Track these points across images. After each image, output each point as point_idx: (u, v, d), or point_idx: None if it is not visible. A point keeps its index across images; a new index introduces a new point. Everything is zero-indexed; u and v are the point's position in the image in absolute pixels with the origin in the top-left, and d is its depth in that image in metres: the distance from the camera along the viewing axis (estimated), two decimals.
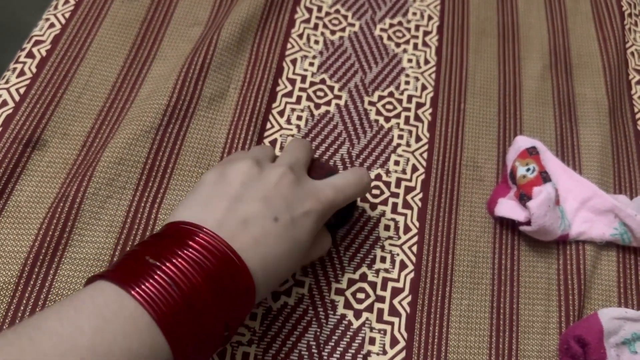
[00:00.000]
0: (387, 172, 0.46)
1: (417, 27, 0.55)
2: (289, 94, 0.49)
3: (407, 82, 0.52)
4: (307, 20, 0.54)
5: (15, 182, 0.41)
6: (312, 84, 0.50)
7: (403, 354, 0.39)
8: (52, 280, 0.38)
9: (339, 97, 0.50)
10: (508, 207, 0.44)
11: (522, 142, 0.46)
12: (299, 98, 0.49)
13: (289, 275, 0.38)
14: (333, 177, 0.37)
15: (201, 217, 0.31)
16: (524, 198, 0.42)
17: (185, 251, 0.28)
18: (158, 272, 0.27)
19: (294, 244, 0.33)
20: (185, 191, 0.43)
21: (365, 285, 0.41)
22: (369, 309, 0.41)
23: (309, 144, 0.40)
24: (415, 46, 0.54)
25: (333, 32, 0.54)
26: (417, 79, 0.52)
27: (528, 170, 0.44)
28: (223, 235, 0.30)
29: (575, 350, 0.39)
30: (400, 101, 0.50)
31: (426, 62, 0.53)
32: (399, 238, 0.44)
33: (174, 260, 0.28)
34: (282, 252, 0.32)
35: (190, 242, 0.29)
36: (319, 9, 0.55)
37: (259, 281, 0.31)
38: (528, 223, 0.42)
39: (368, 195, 0.45)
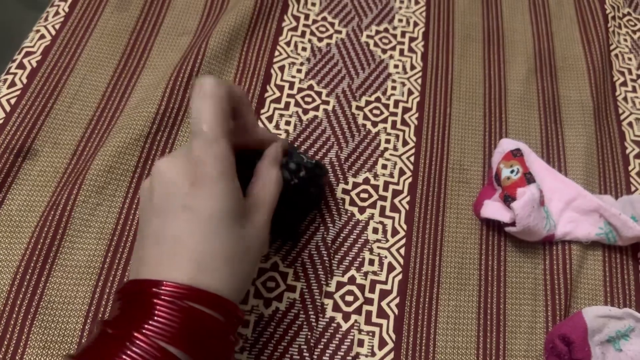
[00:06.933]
0: (375, 175, 0.47)
1: (403, 34, 0.56)
2: (277, 100, 0.50)
3: (393, 88, 0.52)
4: (295, 28, 0.55)
5: (6, 192, 0.42)
6: (300, 90, 0.51)
7: (391, 356, 0.40)
8: (43, 288, 0.39)
9: (327, 103, 0.50)
10: (493, 209, 0.44)
11: (506, 145, 0.47)
12: (287, 104, 0.50)
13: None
14: None
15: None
16: (508, 199, 0.43)
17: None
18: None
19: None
20: None
21: (354, 288, 0.42)
22: (358, 311, 0.41)
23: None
24: (402, 52, 0.55)
25: (320, 39, 0.54)
26: (403, 84, 0.53)
27: (512, 172, 0.44)
28: None
29: (561, 349, 0.39)
30: (387, 106, 0.51)
31: (412, 67, 0.54)
32: (387, 241, 0.44)
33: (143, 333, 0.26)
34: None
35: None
36: (307, 16, 0.56)
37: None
38: (513, 224, 0.43)
39: (356, 199, 0.46)
